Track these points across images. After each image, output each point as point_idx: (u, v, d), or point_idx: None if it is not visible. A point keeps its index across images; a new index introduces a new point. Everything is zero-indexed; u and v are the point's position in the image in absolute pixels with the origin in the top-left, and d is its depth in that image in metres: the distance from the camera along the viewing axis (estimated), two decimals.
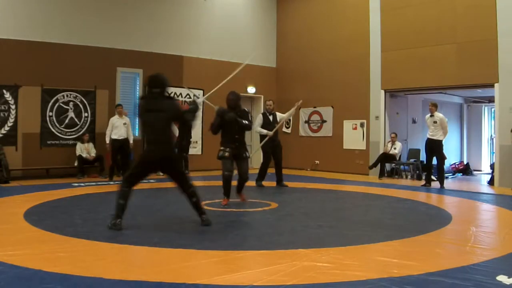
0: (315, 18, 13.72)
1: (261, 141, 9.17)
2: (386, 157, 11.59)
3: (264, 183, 9.36)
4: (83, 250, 4.15)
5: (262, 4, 14.65)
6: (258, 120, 9.26)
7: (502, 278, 3.35)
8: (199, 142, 12.93)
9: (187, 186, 5.10)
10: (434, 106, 9.72)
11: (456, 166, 13.64)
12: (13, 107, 10.21)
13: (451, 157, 13.28)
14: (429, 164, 9.80)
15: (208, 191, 7.96)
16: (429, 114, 9.75)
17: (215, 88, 7.16)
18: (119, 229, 4.86)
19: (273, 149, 9.26)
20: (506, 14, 9.73)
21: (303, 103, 13.91)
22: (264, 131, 8.97)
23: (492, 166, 11.17)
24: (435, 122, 9.54)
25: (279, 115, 9.42)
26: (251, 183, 10.10)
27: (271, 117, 9.26)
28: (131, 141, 10.61)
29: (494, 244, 4.64)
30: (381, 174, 11.50)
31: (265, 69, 14.63)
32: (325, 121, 13.51)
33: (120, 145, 10.31)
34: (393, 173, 11.97)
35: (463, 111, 15.14)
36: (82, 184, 9.31)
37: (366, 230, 5.24)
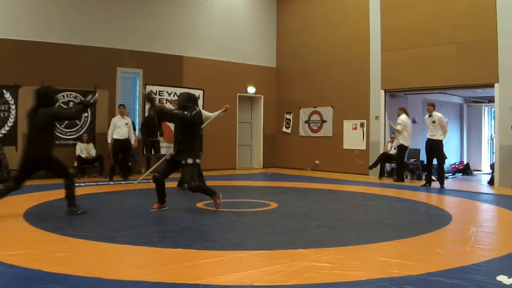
0: (315, 18, 13.72)
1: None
2: (386, 157, 11.58)
3: (263, 183, 9.26)
4: (83, 250, 4.14)
5: (262, 4, 14.65)
6: None
7: (502, 278, 3.35)
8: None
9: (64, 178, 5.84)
10: (432, 106, 9.73)
11: (456, 166, 13.65)
12: (13, 107, 10.21)
13: (451, 157, 13.28)
14: (429, 164, 9.80)
15: None
16: (427, 114, 9.75)
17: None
18: None
19: None
20: (506, 14, 9.73)
21: (303, 103, 14.06)
22: None
23: (492, 166, 11.17)
24: (434, 121, 9.54)
25: (204, 113, 8.22)
26: (254, 183, 10.10)
27: None
28: (133, 142, 10.60)
29: (494, 244, 4.64)
30: (381, 174, 11.50)
31: (265, 69, 14.64)
32: (325, 121, 13.51)
33: (121, 145, 10.30)
34: (393, 173, 11.95)
35: (463, 111, 15.14)
36: (82, 184, 9.30)
37: (366, 230, 5.24)
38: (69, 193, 5.86)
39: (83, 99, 7.16)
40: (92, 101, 6.35)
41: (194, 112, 6.11)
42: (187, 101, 6.15)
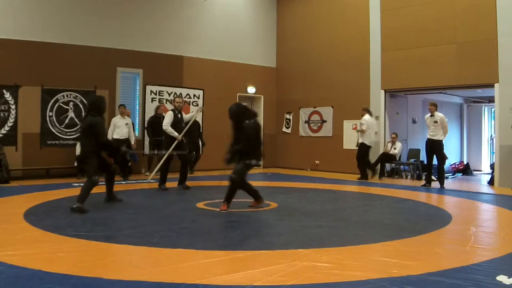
0: (315, 18, 13.72)
1: (168, 139, 8.56)
2: (386, 157, 11.59)
3: (263, 183, 9.27)
4: (83, 250, 4.15)
5: (262, 4, 14.65)
6: (169, 117, 8.53)
7: (502, 278, 3.35)
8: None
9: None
10: (434, 106, 9.72)
11: (456, 166, 13.64)
12: (13, 107, 10.21)
13: (451, 157, 13.28)
14: (429, 164, 9.79)
15: (209, 191, 7.96)
16: (429, 114, 9.74)
17: None
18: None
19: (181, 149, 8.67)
20: (506, 14, 9.74)
21: (303, 103, 14.06)
22: (175, 134, 8.43)
23: (492, 166, 11.17)
24: (435, 122, 9.54)
25: (184, 117, 8.87)
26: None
27: (179, 116, 8.69)
28: (132, 142, 10.62)
29: (494, 244, 4.64)
30: (381, 174, 11.50)
31: (265, 69, 14.64)
32: (325, 121, 13.51)
33: (122, 145, 10.30)
34: (393, 173, 11.97)
35: (463, 111, 15.14)
36: (82, 184, 9.28)
37: (366, 230, 5.24)
38: (84, 189, 6.24)
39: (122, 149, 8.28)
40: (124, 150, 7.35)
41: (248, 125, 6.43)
42: (236, 114, 6.47)
